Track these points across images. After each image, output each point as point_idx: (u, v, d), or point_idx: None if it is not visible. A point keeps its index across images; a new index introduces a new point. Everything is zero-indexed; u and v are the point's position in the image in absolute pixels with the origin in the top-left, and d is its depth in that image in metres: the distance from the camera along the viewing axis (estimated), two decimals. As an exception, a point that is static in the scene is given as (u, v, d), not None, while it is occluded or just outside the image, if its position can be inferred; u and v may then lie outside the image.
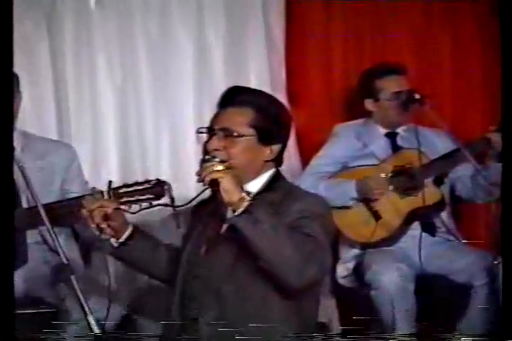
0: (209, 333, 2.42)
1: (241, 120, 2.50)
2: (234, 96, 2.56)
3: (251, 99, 2.55)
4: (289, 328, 2.47)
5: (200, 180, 2.35)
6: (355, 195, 3.68)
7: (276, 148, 2.53)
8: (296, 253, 2.33)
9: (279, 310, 2.46)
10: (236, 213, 2.31)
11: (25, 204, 3.35)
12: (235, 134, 2.46)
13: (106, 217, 2.50)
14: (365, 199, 3.68)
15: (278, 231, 2.33)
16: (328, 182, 3.73)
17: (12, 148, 2.73)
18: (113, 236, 2.57)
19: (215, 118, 2.54)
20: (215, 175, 2.32)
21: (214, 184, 2.32)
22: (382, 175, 3.69)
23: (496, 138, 3.54)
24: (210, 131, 2.51)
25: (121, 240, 2.58)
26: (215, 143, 2.47)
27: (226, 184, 2.32)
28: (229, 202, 2.32)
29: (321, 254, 2.40)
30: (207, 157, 2.43)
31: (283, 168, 2.71)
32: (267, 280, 2.41)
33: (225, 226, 2.50)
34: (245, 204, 2.31)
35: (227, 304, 2.43)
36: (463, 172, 3.74)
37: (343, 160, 3.80)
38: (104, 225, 2.51)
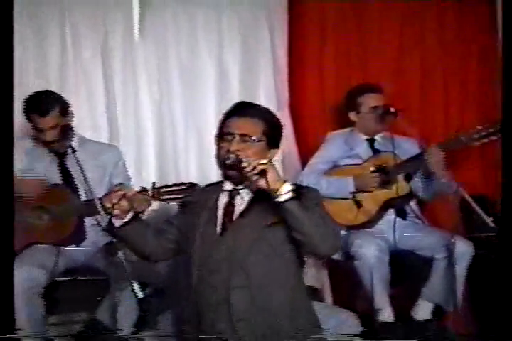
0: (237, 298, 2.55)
1: (256, 128, 2.66)
2: (244, 109, 2.71)
3: (259, 112, 2.71)
4: (300, 292, 2.69)
5: (250, 171, 2.47)
6: (353, 189, 3.86)
7: (275, 151, 2.72)
8: (328, 228, 2.53)
9: (294, 277, 2.67)
10: (285, 198, 2.45)
11: (83, 197, 3.59)
12: (253, 139, 2.64)
13: (121, 199, 2.59)
14: (355, 192, 3.85)
15: (315, 212, 2.53)
16: (328, 179, 3.89)
17: (12, 150, 2.83)
18: (118, 216, 2.64)
19: (233, 126, 2.66)
20: (264, 166, 2.46)
21: (262, 173, 2.46)
22: (373, 172, 3.86)
23: (428, 156, 3.68)
24: (230, 135, 2.65)
25: (125, 220, 2.66)
26: (236, 145, 2.62)
27: (272, 174, 2.47)
28: (273, 189, 2.46)
29: (338, 230, 2.74)
30: (232, 155, 2.58)
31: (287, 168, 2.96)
32: (294, 250, 2.59)
33: (237, 213, 2.65)
34: (291, 190, 2.47)
35: (251, 272, 2.56)
36: (419, 174, 3.87)
37: (334, 160, 3.99)
38: (117, 206, 2.60)
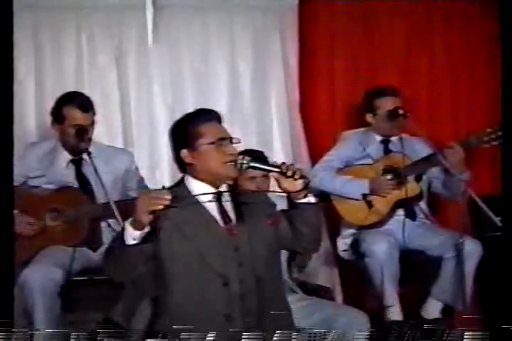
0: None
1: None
2: (210, 114, 2.67)
3: (220, 117, 2.70)
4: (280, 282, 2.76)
5: (290, 175, 2.51)
6: (367, 192, 3.85)
7: None
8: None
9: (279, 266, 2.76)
10: (310, 198, 2.57)
11: (100, 200, 3.56)
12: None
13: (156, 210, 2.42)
14: (368, 194, 3.84)
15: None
16: (342, 178, 3.88)
17: (12, 152, 2.77)
18: (142, 225, 2.43)
19: (223, 130, 2.65)
20: (303, 172, 2.54)
21: (301, 178, 2.53)
22: (385, 174, 3.87)
23: (449, 155, 3.68)
24: (224, 140, 2.62)
25: (146, 230, 2.46)
26: (234, 148, 2.63)
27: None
28: (301, 192, 2.55)
29: None
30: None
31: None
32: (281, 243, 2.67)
33: (231, 213, 2.63)
34: (305, 191, 2.57)
35: (262, 265, 2.60)
36: (438, 174, 3.88)
37: (348, 159, 3.97)
38: (150, 214, 2.41)
